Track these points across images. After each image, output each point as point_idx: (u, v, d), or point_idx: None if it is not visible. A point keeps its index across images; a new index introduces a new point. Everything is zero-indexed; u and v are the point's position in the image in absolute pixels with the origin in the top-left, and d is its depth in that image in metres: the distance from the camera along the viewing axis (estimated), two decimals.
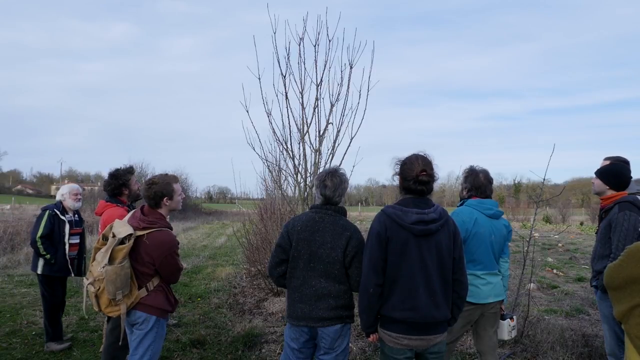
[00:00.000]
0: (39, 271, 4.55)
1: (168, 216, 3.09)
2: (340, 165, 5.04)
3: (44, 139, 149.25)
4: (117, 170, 3.98)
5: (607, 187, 3.42)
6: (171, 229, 3.02)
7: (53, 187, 69.35)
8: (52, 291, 4.58)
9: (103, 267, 2.73)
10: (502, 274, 3.30)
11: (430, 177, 2.49)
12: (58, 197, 4.76)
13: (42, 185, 76.61)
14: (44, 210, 4.67)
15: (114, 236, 2.77)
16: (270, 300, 6.37)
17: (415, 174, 2.46)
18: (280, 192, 6.14)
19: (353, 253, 2.64)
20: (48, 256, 4.45)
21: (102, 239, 2.87)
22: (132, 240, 2.77)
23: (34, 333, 5.12)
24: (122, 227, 2.82)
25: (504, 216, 3.37)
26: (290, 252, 2.73)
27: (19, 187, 74.23)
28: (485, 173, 3.30)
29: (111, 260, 2.73)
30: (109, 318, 3.84)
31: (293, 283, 2.76)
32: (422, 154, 2.55)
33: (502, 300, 3.31)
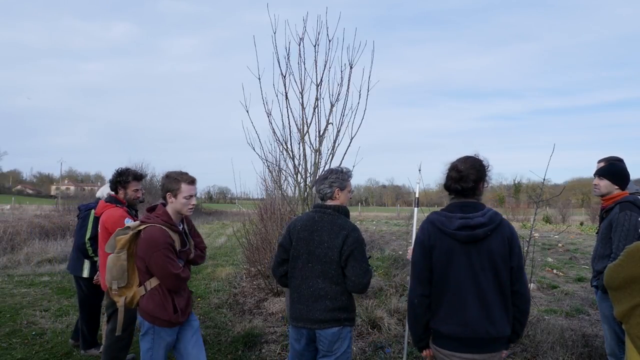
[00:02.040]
0: (85, 274, 4.41)
1: (178, 218, 2.90)
2: (340, 165, 5.05)
3: (44, 139, 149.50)
4: (126, 169, 3.90)
5: (616, 187, 3.42)
6: (174, 227, 2.83)
7: (53, 187, 69.40)
8: (97, 295, 4.39)
9: None
10: None
11: (461, 173, 2.27)
12: (98, 195, 4.64)
13: (42, 185, 76.63)
14: (85, 209, 4.52)
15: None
16: (270, 300, 6.37)
17: (449, 171, 2.34)
18: (280, 192, 6.14)
19: (348, 252, 2.60)
20: (96, 258, 4.22)
21: None
22: (131, 232, 2.76)
23: (34, 333, 5.12)
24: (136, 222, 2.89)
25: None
26: (290, 252, 2.74)
27: (19, 187, 74.27)
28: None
29: (114, 248, 2.78)
30: (109, 319, 3.84)
31: (293, 283, 2.76)
32: (473, 154, 2.36)
33: None
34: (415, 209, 4.20)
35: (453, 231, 2.20)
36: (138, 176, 3.91)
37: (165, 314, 2.77)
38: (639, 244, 2.65)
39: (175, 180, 2.81)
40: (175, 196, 2.82)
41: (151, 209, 2.89)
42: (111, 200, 3.85)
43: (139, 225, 2.80)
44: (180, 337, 2.94)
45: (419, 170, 4.13)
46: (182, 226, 2.95)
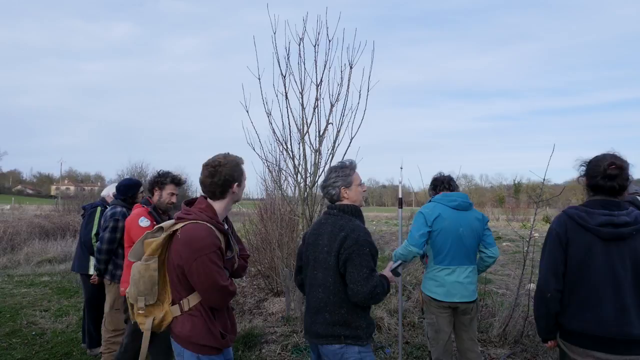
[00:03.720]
0: (92, 272, 4.38)
1: (222, 217, 2.27)
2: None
3: (44, 139, 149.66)
4: (167, 171, 3.69)
5: None
6: (221, 226, 2.19)
7: (53, 187, 69.41)
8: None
9: None
10: (479, 267, 3.36)
11: (621, 170, 2.17)
12: (104, 194, 4.69)
13: (42, 185, 76.62)
14: (92, 207, 4.50)
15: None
16: (270, 300, 6.37)
17: (603, 168, 2.19)
18: (280, 192, 6.14)
19: (346, 255, 2.27)
20: None
21: None
22: (163, 235, 2.12)
23: (33, 333, 5.12)
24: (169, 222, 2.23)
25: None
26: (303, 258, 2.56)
27: (19, 187, 74.26)
28: (449, 176, 3.53)
29: (141, 256, 2.15)
30: (130, 337, 3.47)
31: (305, 291, 2.56)
32: (612, 152, 2.27)
33: (474, 302, 3.31)
34: (400, 210, 4.19)
35: (595, 227, 2.14)
36: (177, 180, 3.68)
37: (211, 339, 2.13)
38: None
39: (237, 165, 2.25)
40: (240, 184, 2.25)
41: (190, 203, 2.26)
42: (144, 202, 3.67)
43: (175, 223, 2.16)
44: None
45: (401, 168, 4.12)
46: (226, 227, 2.29)
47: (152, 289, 2.11)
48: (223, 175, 2.17)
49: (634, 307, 2.11)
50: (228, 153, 2.29)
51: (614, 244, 2.13)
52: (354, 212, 2.45)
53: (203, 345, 2.12)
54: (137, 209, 3.62)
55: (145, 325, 2.15)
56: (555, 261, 2.21)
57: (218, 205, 2.22)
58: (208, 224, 2.11)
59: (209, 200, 2.23)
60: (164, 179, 3.61)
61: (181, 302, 2.13)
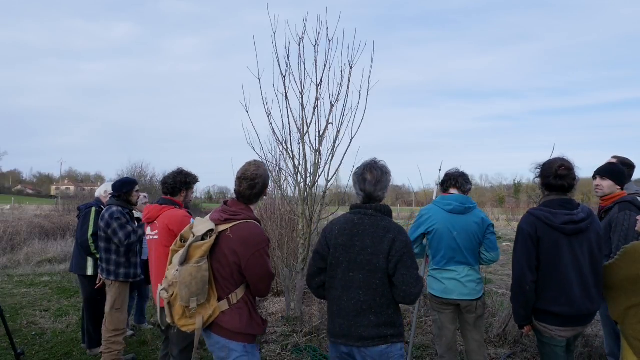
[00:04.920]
0: (90, 272, 4.39)
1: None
2: (340, 165, 5.05)
3: (44, 139, 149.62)
4: (187, 171, 3.53)
5: (618, 187, 3.44)
6: (259, 222, 2.52)
7: (53, 187, 69.43)
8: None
9: (176, 269, 2.32)
10: (477, 271, 3.32)
11: (569, 170, 2.60)
12: (97, 194, 4.67)
13: (42, 185, 76.60)
14: (87, 207, 4.50)
15: (193, 235, 2.37)
16: (270, 300, 6.37)
17: (555, 169, 2.60)
18: (280, 192, 6.14)
19: (397, 258, 2.28)
20: (98, 255, 4.18)
21: (180, 241, 2.49)
22: (213, 237, 2.31)
23: (33, 333, 5.13)
24: (202, 224, 2.40)
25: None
26: (328, 260, 2.42)
27: (19, 187, 74.25)
28: (460, 171, 3.43)
29: (187, 260, 2.29)
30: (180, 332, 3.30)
31: (332, 294, 2.43)
32: (562, 156, 2.68)
33: (476, 300, 3.30)
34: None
35: (560, 225, 2.55)
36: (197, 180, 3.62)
37: (256, 327, 2.39)
38: (636, 244, 2.66)
39: (267, 173, 2.55)
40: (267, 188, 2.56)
41: (230, 204, 2.49)
42: (166, 202, 3.42)
43: (222, 224, 2.37)
44: None
45: (440, 170, 4.11)
46: None
47: (204, 288, 2.27)
48: (260, 186, 2.47)
49: (593, 286, 2.58)
50: (255, 161, 2.55)
51: (575, 237, 2.57)
52: (389, 212, 2.45)
53: (248, 335, 2.34)
54: (183, 211, 3.37)
55: (197, 325, 2.30)
56: (530, 257, 2.58)
57: (253, 206, 2.52)
58: (257, 222, 2.42)
59: (236, 201, 2.47)
60: (193, 179, 3.51)
61: (230, 296, 2.33)
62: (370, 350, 2.30)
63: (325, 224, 2.56)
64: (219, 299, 2.33)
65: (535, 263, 2.58)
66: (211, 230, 2.32)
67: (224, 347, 2.34)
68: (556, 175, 2.60)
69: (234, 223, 2.34)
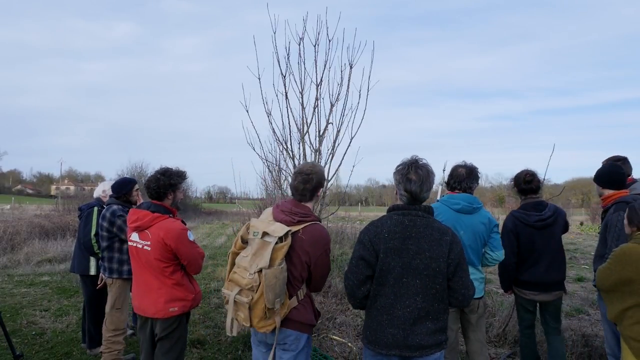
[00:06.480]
0: (92, 272, 4.40)
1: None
2: (340, 165, 5.05)
3: (44, 139, 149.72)
4: (175, 169, 3.19)
5: (603, 188, 3.48)
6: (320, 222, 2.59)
7: (53, 187, 69.43)
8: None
9: (254, 272, 2.30)
10: (480, 270, 3.31)
11: (533, 176, 3.61)
12: (96, 195, 4.66)
13: (42, 185, 76.66)
14: (88, 207, 4.48)
15: (264, 235, 2.36)
16: None
17: (522, 177, 3.64)
18: (280, 192, 6.14)
19: (457, 261, 2.20)
20: (101, 255, 4.13)
21: (242, 242, 2.50)
22: (289, 238, 2.34)
23: (33, 333, 5.12)
24: (273, 225, 2.39)
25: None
26: (377, 266, 2.23)
27: (19, 187, 74.29)
28: (469, 167, 3.29)
29: (271, 262, 2.29)
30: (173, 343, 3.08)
31: (379, 303, 2.26)
32: (527, 168, 3.69)
33: (480, 299, 3.31)
34: None
35: (533, 223, 3.57)
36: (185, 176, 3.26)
37: (314, 319, 2.56)
38: (625, 247, 2.66)
39: (323, 173, 2.63)
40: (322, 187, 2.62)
41: (292, 204, 2.52)
42: (158, 209, 3.06)
43: (294, 225, 2.41)
44: None
45: (443, 170, 4.12)
46: None
47: (284, 288, 2.35)
48: (314, 181, 2.52)
49: (554, 263, 3.62)
50: (313, 162, 2.82)
51: (544, 230, 3.58)
52: (432, 212, 2.34)
53: (311, 326, 2.53)
54: (179, 224, 3.06)
55: (277, 323, 2.39)
56: (512, 246, 3.59)
57: (309, 206, 2.58)
58: (321, 224, 2.53)
59: (298, 202, 2.53)
60: (178, 179, 3.16)
61: (298, 292, 2.45)
62: (426, 359, 2.22)
63: (364, 228, 2.36)
64: (290, 297, 2.43)
65: (516, 250, 3.60)
66: (288, 232, 2.35)
67: (296, 339, 2.46)
68: (524, 181, 3.63)
69: (305, 225, 2.42)
